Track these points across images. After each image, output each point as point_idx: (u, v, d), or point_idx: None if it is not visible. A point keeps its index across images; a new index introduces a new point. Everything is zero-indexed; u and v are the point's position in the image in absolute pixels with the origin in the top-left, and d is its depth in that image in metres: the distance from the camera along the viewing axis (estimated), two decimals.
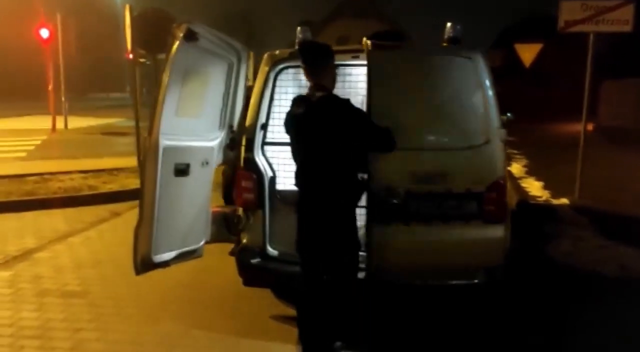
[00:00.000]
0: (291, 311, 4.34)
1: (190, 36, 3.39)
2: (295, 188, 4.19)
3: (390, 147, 3.43)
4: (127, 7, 10.08)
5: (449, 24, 4.08)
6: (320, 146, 3.32)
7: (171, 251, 3.70)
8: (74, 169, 10.33)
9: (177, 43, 3.35)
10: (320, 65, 3.40)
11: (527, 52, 15.13)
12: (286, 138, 4.41)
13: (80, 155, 12.71)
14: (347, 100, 3.37)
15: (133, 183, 9.39)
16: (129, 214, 7.88)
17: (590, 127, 18.23)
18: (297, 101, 3.44)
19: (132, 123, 21.37)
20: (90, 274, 5.33)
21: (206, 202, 4.06)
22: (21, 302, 4.64)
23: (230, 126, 4.23)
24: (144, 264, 3.48)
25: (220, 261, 4.86)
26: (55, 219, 7.44)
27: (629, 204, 7.69)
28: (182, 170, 3.68)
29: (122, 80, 52.12)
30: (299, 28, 4.33)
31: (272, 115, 4.23)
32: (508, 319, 4.22)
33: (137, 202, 8.34)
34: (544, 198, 8.44)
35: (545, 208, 7.66)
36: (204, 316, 4.38)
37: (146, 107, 11.46)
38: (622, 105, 19.05)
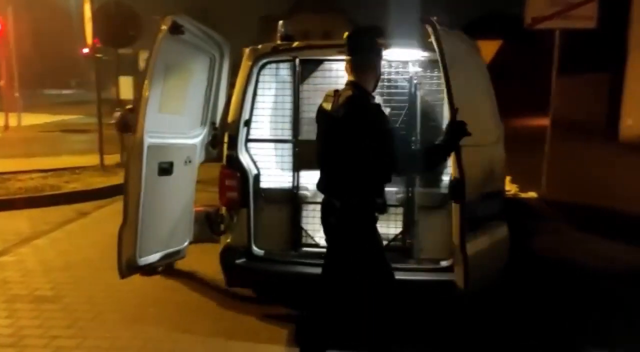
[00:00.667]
0: (276, 311, 4.29)
1: (175, 29, 3.27)
2: (279, 186, 4.14)
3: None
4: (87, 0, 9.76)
5: (435, 18, 4.06)
6: (336, 148, 2.99)
7: (156, 252, 3.58)
8: (33, 168, 9.96)
9: (161, 36, 3.22)
10: (367, 61, 3.02)
11: (487, 49, 15.45)
12: (269, 135, 4.37)
13: (38, 154, 12.27)
14: (376, 107, 2.95)
15: (97, 182, 9.13)
16: (97, 213, 7.66)
17: (546, 121, 18.68)
18: (327, 96, 3.13)
19: (90, 120, 20.90)
20: (61, 277, 5.10)
21: (189, 201, 3.95)
22: None
23: (213, 123, 4.11)
24: (129, 267, 3.35)
25: (200, 262, 4.75)
26: (18, 221, 7.13)
27: (595, 196, 7.92)
28: (165, 169, 3.56)
29: (76, 76, 50.65)
30: (280, 22, 4.27)
31: (255, 111, 4.12)
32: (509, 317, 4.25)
33: (104, 201, 8.20)
34: (512, 192, 8.59)
35: (518, 202, 7.81)
36: (187, 318, 4.24)
37: (104, 103, 11.25)
38: (577, 100, 19.66)
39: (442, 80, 3.02)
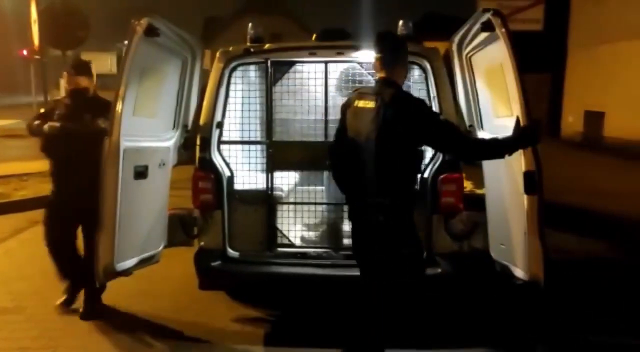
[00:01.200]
0: (251, 313, 4.30)
1: (151, 31, 3.22)
2: (253, 188, 4.14)
3: (468, 153, 3.14)
4: (33, 0, 9.40)
5: (401, 22, 4.18)
6: (385, 146, 2.97)
7: (133, 257, 3.51)
8: None
9: (136, 38, 3.17)
10: (396, 58, 3.10)
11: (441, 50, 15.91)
12: (242, 136, 4.35)
13: None
14: (423, 101, 3.06)
15: (47, 189, 8.75)
16: None
17: None
18: (363, 95, 3.14)
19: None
20: (20, 288, 4.92)
21: (164, 205, 3.90)
22: None
23: (185, 125, 4.07)
24: (106, 274, 3.27)
25: (167, 268, 4.67)
26: None
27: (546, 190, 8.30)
28: (141, 173, 3.50)
29: (8, 79, 48.51)
30: (250, 24, 4.29)
31: (227, 113, 4.11)
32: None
33: None
34: (468, 188, 8.85)
35: (474, 197, 8.05)
36: (159, 324, 4.18)
37: (40, 107, 10.80)
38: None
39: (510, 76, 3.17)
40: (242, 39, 4.39)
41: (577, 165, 11.97)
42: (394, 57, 3.08)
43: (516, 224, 3.23)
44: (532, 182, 2.98)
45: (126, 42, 3.19)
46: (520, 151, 2.98)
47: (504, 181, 3.41)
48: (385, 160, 2.97)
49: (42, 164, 9.85)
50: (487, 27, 3.17)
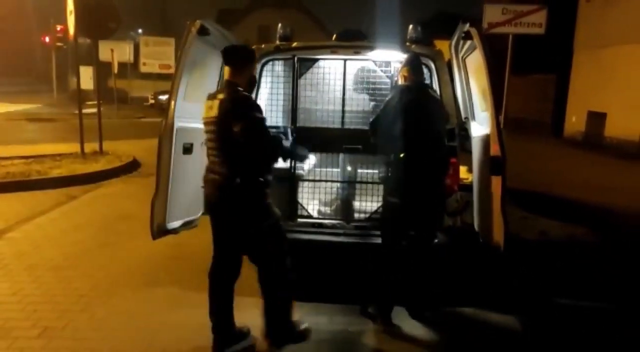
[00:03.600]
0: None
1: (202, 31, 3.89)
2: (279, 166, 4.80)
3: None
4: None
5: (411, 26, 4.84)
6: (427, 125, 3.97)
7: (179, 219, 4.18)
8: (14, 155, 10.24)
9: (190, 36, 3.84)
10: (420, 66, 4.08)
11: (445, 49, 16.44)
12: (271, 122, 5.02)
13: (12, 141, 12.46)
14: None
15: (80, 168, 9.51)
16: (86, 197, 8.11)
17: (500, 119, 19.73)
18: (406, 90, 4.04)
19: (50, 109, 20.87)
20: (71, 250, 5.61)
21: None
22: (14, 276, 4.89)
23: None
24: (160, 231, 3.94)
25: (193, 236, 5.32)
26: (13, 203, 7.53)
27: (537, 184, 8.98)
28: (187, 149, 4.15)
29: (29, 66, 49.39)
30: (280, 24, 4.95)
31: (258, 102, 4.78)
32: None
33: (89, 186, 8.64)
34: (469, 180, 9.50)
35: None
36: (195, 281, 4.82)
37: (60, 92, 11.44)
38: (526, 99, 20.99)
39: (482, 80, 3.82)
40: (255, 31, 5.02)
41: (576, 162, 12.57)
42: (419, 68, 4.13)
43: (484, 202, 3.88)
44: (497, 165, 3.60)
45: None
46: (494, 140, 3.62)
47: (479, 165, 4.07)
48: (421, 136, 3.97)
49: (70, 146, 10.66)
50: (467, 36, 3.84)
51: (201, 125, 4.43)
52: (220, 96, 3.42)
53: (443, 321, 4.20)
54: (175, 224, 4.13)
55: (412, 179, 3.97)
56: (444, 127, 4.13)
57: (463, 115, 4.57)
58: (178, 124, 3.95)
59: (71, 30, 10.28)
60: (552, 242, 6.12)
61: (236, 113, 3.34)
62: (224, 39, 4.47)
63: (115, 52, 21.74)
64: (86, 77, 18.56)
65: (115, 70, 22.10)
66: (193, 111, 4.29)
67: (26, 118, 18.26)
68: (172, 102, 3.86)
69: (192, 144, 4.23)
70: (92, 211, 7.24)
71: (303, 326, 3.89)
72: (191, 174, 4.32)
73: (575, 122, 16.85)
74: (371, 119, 4.23)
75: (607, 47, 15.14)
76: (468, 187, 4.54)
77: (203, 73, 4.33)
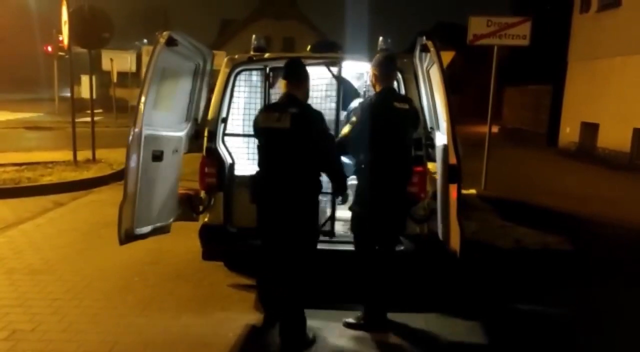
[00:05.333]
0: (245, 281, 5.04)
1: (170, 42, 4.01)
2: (250, 173, 4.90)
3: None
4: (64, 2, 10.24)
5: (381, 38, 4.95)
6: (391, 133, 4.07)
7: (148, 225, 4.27)
8: (8, 162, 10.39)
9: (159, 47, 3.95)
10: (390, 66, 4.18)
11: (443, 58, 16.57)
12: (242, 130, 5.14)
13: (7, 149, 12.61)
14: None
15: (71, 176, 9.64)
16: (73, 204, 8.22)
17: (495, 129, 19.99)
18: (369, 105, 4.12)
19: (50, 118, 21.06)
20: (50, 255, 5.72)
21: (175, 185, 4.66)
22: None
23: (195, 119, 4.85)
24: (127, 236, 4.03)
25: (173, 242, 5.43)
26: (1, 209, 7.64)
27: (524, 194, 9.06)
28: (157, 156, 4.25)
29: (32, 75, 49.77)
30: (253, 36, 5.07)
31: (231, 110, 4.90)
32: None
33: (78, 193, 8.76)
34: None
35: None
36: (168, 286, 4.96)
37: (62, 101, 11.55)
38: (522, 110, 21.09)
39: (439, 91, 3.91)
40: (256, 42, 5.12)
41: (566, 172, 12.63)
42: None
43: (444, 209, 3.97)
44: (454, 173, 3.68)
45: (144, 44, 3.97)
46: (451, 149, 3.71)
47: (440, 174, 4.16)
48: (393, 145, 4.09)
49: (64, 154, 10.80)
50: (424, 48, 3.95)
51: (173, 133, 4.59)
52: (293, 110, 3.73)
53: (407, 325, 4.27)
54: (144, 229, 4.22)
55: (374, 187, 4.06)
56: (411, 135, 4.21)
57: (429, 125, 4.65)
58: (146, 131, 4.05)
59: (65, 40, 10.44)
60: (524, 250, 6.18)
61: (313, 127, 3.76)
62: (196, 51, 4.60)
63: (116, 61, 21.97)
64: (86, 86, 18.80)
65: (115, 79, 22.31)
66: (164, 119, 4.42)
67: (24, 126, 18.45)
68: (140, 111, 3.96)
69: (162, 152, 4.33)
70: (77, 218, 7.35)
71: (311, 334, 4.01)
72: (162, 181, 4.43)
73: (569, 132, 16.90)
74: (338, 139, 4.28)
75: (600, 59, 15.23)
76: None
77: (174, 83, 4.45)
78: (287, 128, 3.68)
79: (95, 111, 11.73)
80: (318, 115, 3.84)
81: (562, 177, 11.79)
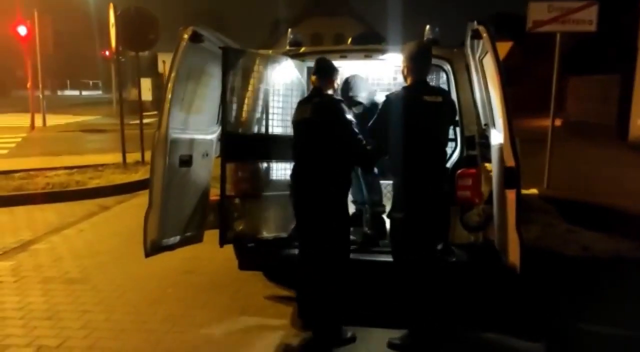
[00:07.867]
0: (283, 292, 4.71)
1: (195, 38, 3.71)
2: (286, 177, 4.56)
3: None
4: (111, 5, 10.24)
5: (428, 26, 4.49)
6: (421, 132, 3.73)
7: (176, 235, 4.00)
8: (59, 166, 10.50)
9: (183, 44, 3.66)
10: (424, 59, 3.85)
11: (499, 50, 15.81)
12: (279, 132, 4.79)
13: (62, 152, 12.84)
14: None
15: (119, 178, 9.64)
16: (118, 207, 8.15)
17: (558, 122, 18.98)
18: (394, 100, 3.80)
19: (108, 120, 21.56)
20: (88, 263, 5.58)
21: (206, 191, 4.36)
22: (27, 288, 4.89)
23: None
24: (153, 247, 3.78)
25: (212, 250, 5.14)
26: (47, 213, 7.66)
27: (591, 194, 8.29)
28: (185, 161, 3.98)
29: (94, 78, 51.80)
30: (289, 29, 4.72)
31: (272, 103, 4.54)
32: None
33: (124, 196, 8.71)
34: None
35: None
36: (202, 297, 4.69)
37: (124, 104, 11.69)
38: (588, 101, 19.87)
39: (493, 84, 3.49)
40: (308, 39, 4.84)
41: (638, 169, 11.63)
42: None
43: (501, 217, 3.47)
44: (511, 177, 3.19)
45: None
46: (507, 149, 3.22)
47: (497, 177, 3.65)
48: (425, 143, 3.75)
49: (116, 156, 10.84)
50: (476, 34, 3.46)
51: (202, 136, 4.29)
52: (315, 100, 3.88)
53: (460, 348, 3.83)
54: (171, 240, 3.96)
55: (407, 189, 3.73)
56: (446, 131, 3.91)
57: (483, 122, 4.17)
58: (173, 135, 3.78)
59: (113, 43, 10.45)
60: (594, 258, 5.56)
61: (333, 115, 3.78)
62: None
63: (169, 64, 22.22)
64: (145, 89, 19.09)
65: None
66: (193, 122, 4.13)
67: (81, 129, 18.89)
68: (165, 114, 3.69)
69: (190, 156, 4.05)
70: (120, 222, 7.24)
71: (349, 334, 3.89)
72: (191, 187, 4.15)
73: None
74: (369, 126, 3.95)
75: None
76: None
77: (203, 82, 4.14)
78: (309, 118, 3.82)
79: (151, 113, 11.73)
80: (338, 104, 3.83)
81: (633, 175, 10.83)
